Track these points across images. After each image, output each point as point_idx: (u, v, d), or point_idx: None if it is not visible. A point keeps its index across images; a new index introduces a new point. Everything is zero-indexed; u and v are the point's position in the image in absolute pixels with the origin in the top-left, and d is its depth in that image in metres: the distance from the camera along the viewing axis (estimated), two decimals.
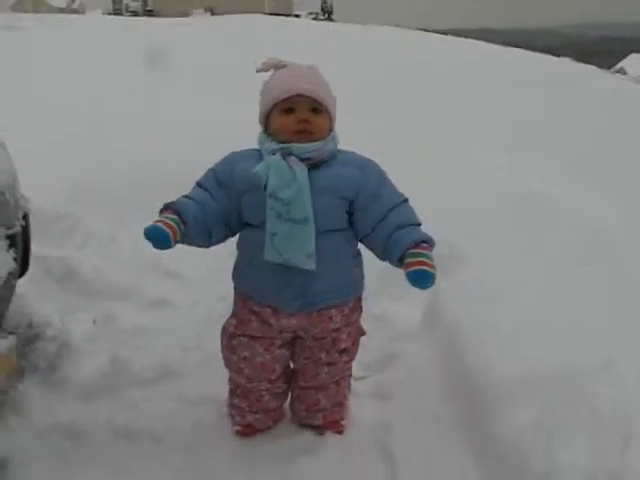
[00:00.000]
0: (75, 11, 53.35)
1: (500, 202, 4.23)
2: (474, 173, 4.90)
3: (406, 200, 2.27)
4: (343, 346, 2.42)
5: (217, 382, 2.62)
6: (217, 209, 2.23)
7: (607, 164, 5.50)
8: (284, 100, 2.19)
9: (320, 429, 2.53)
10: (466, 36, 20.76)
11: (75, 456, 2.37)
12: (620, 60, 52.38)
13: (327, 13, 53.81)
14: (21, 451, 2.35)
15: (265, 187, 2.11)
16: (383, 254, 2.24)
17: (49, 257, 3.67)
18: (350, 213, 2.24)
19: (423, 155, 5.36)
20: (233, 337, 2.39)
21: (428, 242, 2.15)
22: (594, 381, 2.20)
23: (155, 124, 5.93)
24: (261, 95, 2.29)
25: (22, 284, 3.07)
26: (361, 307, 2.47)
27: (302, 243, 2.14)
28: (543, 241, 3.54)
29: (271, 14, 34.27)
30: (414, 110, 7.39)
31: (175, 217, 2.11)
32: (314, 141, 2.19)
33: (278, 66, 2.27)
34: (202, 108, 6.49)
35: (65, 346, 2.83)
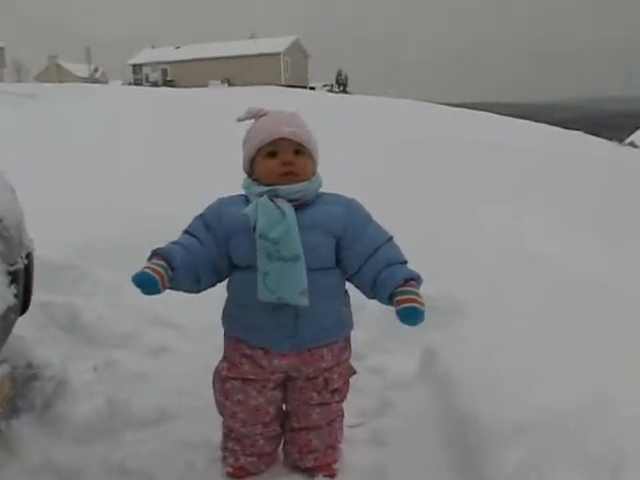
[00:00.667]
0: (97, 81, 54.66)
1: (500, 260, 4.28)
2: (476, 232, 4.97)
3: (391, 238, 2.33)
4: (335, 386, 2.43)
5: (212, 427, 2.62)
6: (205, 254, 2.27)
7: (611, 224, 5.56)
8: (268, 144, 2.25)
9: (312, 472, 2.51)
10: (480, 109, 21.21)
11: None
12: (630, 134, 52.98)
13: (342, 85, 55.00)
14: None
15: (254, 228, 2.16)
16: (372, 292, 2.28)
17: (54, 304, 3.73)
18: (337, 251, 2.28)
19: (428, 215, 5.46)
20: (226, 381, 2.40)
21: (416, 279, 2.19)
22: (585, 419, 2.20)
23: (160, 188, 6.11)
24: (244, 142, 2.36)
25: (24, 329, 3.13)
26: (350, 346, 2.49)
27: (294, 280, 2.17)
28: (538, 295, 3.57)
29: (287, 86, 35.14)
30: (422, 175, 7.53)
31: (163, 263, 2.16)
32: (299, 182, 2.25)
33: (260, 114, 2.34)
34: (209, 172, 6.63)
35: (62, 385, 2.86)
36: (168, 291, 3.19)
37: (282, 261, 2.15)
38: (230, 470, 2.50)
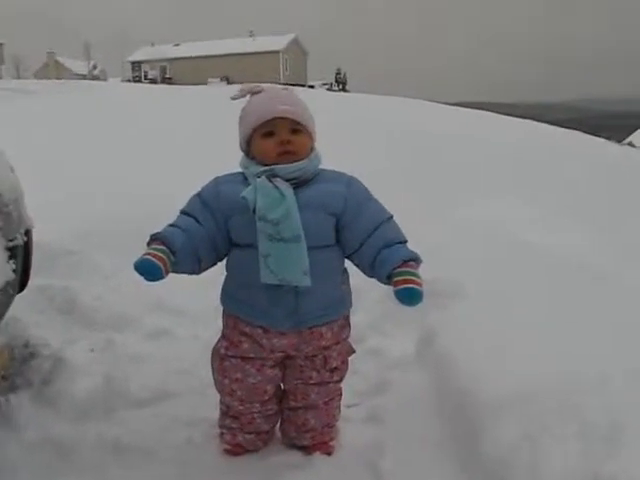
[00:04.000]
0: (96, 78, 54.71)
1: (495, 247, 4.31)
2: (473, 221, 5.00)
3: (391, 217, 2.32)
4: (334, 364, 2.43)
5: (210, 405, 2.62)
6: (204, 233, 2.25)
7: (613, 219, 5.62)
8: (264, 124, 2.23)
9: (309, 450, 2.51)
10: (480, 108, 21.24)
11: (64, 469, 2.38)
12: (630, 134, 53.13)
13: (341, 84, 55.01)
14: (10, 462, 2.36)
15: (254, 210, 2.14)
16: (371, 271, 2.27)
17: (52, 287, 3.74)
18: (337, 229, 2.28)
19: (428, 207, 5.51)
20: (224, 359, 2.39)
21: (415, 260, 2.18)
22: (582, 392, 2.22)
23: (157, 173, 6.13)
24: (240, 121, 2.33)
25: (23, 311, 3.15)
26: (349, 325, 2.49)
27: (296, 261, 2.15)
28: (533, 278, 3.59)
29: (286, 84, 35.19)
30: (424, 169, 7.57)
31: (164, 248, 2.12)
32: (297, 161, 2.23)
33: (254, 91, 2.32)
34: (206, 156, 6.65)
35: (60, 364, 2.87)
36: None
37: (283, 242, 2.13)
38: (227, 447, 2.50)
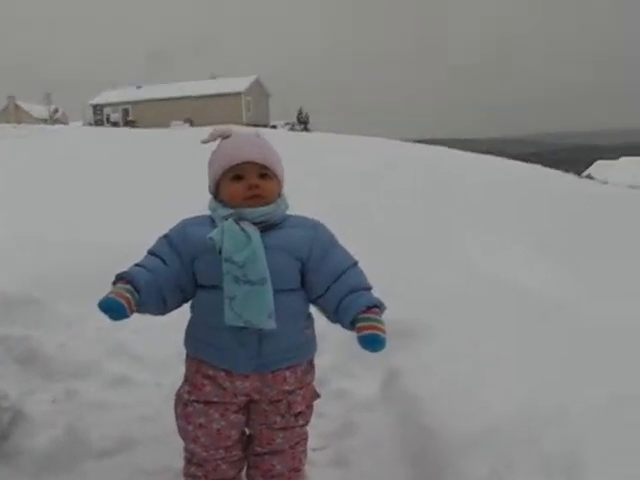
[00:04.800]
0: (57, 121, 54.42)
1: (463, 284, 4.34)
2: (440, 260, 5.04)
3: (356, 263, 2.33)
4: (298, 409, 2.41)
5: (173, 454, 2.57)
6: (170, 274, 2.24)
7: (573, 250, 5.70)
8: (233, 167, 2.25)
9: None
10: (443, 145, 21.62)
11: None
12: (589, 166, 54.46)
13: (303, 123, 55.36)
14: None
15: (220, 251, 2.14)
16: (335, 316, 2.27)
17: (12, 337, 3.66)
18: (302, 274, 2.28)
19: (390, 243, 5.55)
20: (187, 404, 2.34)
21: (379, 306, 2.19)
22: (542, 424, 2.25)
23: (120, 220, 6.10)
24: (209, 164, 2.35)
25: None
26: (314, 369, 2.48)
27: (261, 304, 2.15)
28: (502, 316, 3.61)
29: (248, 124, 35.35)
30: (390, 205, 7.67)
31: (128, 287, 2.12)
32: (265, 205, 2.25)
33: (224, 135, 2.34)
34: (170, 203, 6.65)
35: (20, 416, 2.81)
36: (129, 320, 3.19)
37: (249, 284, 2.13)
38: None
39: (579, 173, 30.53)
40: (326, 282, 2.26)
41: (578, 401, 2.39)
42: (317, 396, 2.51)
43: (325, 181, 9.52)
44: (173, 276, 2.25)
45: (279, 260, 2.20)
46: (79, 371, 3.49)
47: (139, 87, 64.42)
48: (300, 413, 2.42)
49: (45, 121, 51.90)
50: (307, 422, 2.49)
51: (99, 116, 61.25)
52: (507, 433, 2.26)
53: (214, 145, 2.38)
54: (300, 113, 57.89)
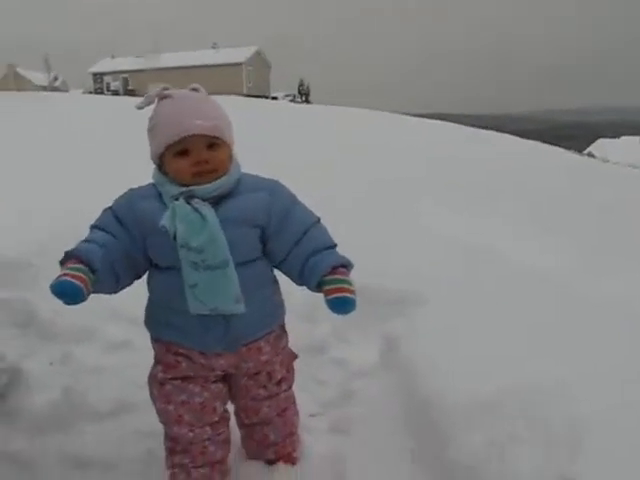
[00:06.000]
0: (57, 89, 53.94)
1: (459, 257, 4.34)
2: (436, 234, 5.04)
3: (318, 220, 2.20)
4: (279, 376, 2.36)
5: None
6: (121, 250, 2.06)
7: (563, 224, 5.71)
8: (176, 142, 2.00)
9: (273, 462, 2.46)
10: (443, 119, 21.50)
11: None
12: (590, 144, 54.20)
13: (304, 95, 55.08)
14: None
15: (174, 237, 1.98)
16: (300, 279, 2.15)
17: (9, 300, 3.68)
18: (263, 240, 2.14)
19: (391, 218, 5.57)
20: (164, 383, 2.21)
21: (345, 265, 2.07)
22: (544, 398, 2.24)
23: (115, 190, 6.07)
24: (149, 134, 2.09)
25: None
26: (286, 332, 2.40)
27: (226, 289, 2.02)
28: (495, 287, 3.61)
29: (249, 95, 35.13)
30: (377, 180, 7.64)
31: (82, 267, 1.93)
32: (217, 178, 2.04)
33: (161, 96, 2.07)
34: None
35: (17, 377, 2.81)
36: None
37: (210, 270, 1.99)
38: None
39: (580, 151, 30.45)
40: (288, 245, 2.12)
41: (581, 375, 2.38)
42: (295, 356, 2.45)
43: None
44: (124, 252, 2.06)
45: (237, 232, 2.04)
46: (77, 335, 3.49)
47: (139, 56, 63.97)
48: (282, 379, 2.38)
49: (45, 88, 51.48)
50: (290, 386, 2.45)
51: (99, 84, 60.98)
52: (508, 405, 2.25)
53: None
54: (301, 85, 57.53)
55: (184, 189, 2.01)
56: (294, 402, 2.50)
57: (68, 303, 1.89)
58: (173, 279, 2.04)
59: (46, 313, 3.66)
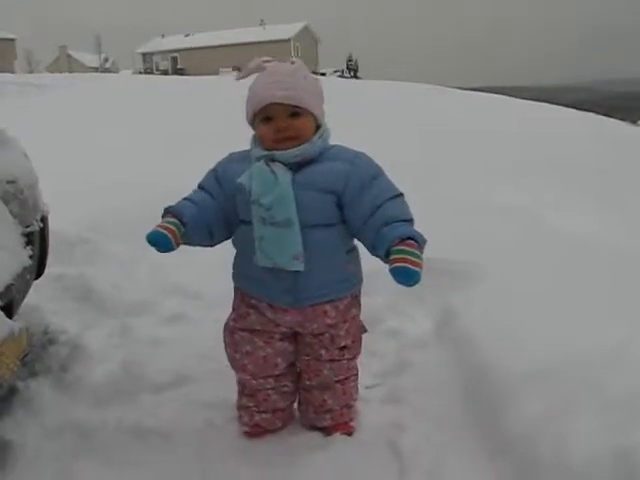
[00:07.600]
0: (108, 70, 54.77)
1: (516, 231, 4.28)
2: (493, 208, 4.99)
3: (400, 194, 2.22)
4: (342, 343, 2.40)
5: (229, 388, 2.60)
6: (217, 208, 2.29)
7: (617, 195, 5.61)
8: (262, 109, 2.18)
9: (329, 430, 2.50)
10: (496, 92, 21.16)
11: (84, 453, 2.37)
12: None
13: (353, 71, 54.73)
14: (31, 446, 2.36)
15: (250, 194, 2.16)
16: (373, 249, 2.18)
17: (68, 276, 3.76)
18: (340, 208, 2.21)
19: (451, 190, 5.54)
20: (234, 332, 2.42)
21: (414, 238, 2.06)
22: (600, 365, 2.20)
23: (168, 165, 6.17)
24: (246, 102, 2.27)
25: (40, 300, 3.15)
26: (359, 303, 2.44)
27: (287, 245, 2.16)
28: (553, 260, 3.55)
29: None
30: (446, 157, 7.60)
31: (174, 220, 2.19)
32: (299, 144, 2.17)
33: (259, 69, 2.25)
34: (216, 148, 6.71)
35: (78, 350, 2.88)
36: (183, 261, 3.21)
37: (275, 226, 2.15)
38: (246, 429, 2.50)
39: (635, 121, 29.62)
40: (364, 216, 2.16)
41: (634, 341, 2.33)
42: (364, 330, 2.49)
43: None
44: (220, 209, 2.29)
45: (310, 196, 2.15)
46: (134, 309, 3.55)
47: (187, 35, 64.39)
48: (345, 347, 2.42)
49: (96, 69, 52.26)
50: (354, 356, 2.49)
51: (148, 64, 61.61)
52: (563, 373, 2.22)
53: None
54: (350, 60, 57.12)
55: (266, 152, 2.19)
56: (356, 374, 2.54)
57: (160, 250, 2.15)
58: (248, 232, 2.23)
59: (104, 287, 3.74)
